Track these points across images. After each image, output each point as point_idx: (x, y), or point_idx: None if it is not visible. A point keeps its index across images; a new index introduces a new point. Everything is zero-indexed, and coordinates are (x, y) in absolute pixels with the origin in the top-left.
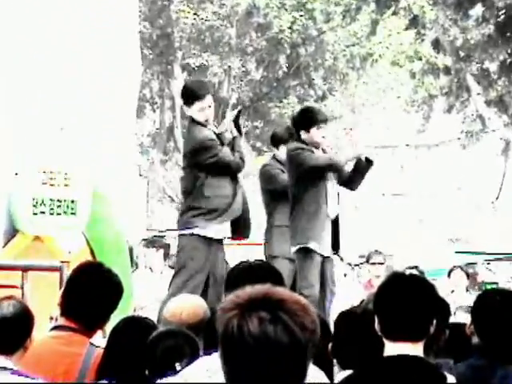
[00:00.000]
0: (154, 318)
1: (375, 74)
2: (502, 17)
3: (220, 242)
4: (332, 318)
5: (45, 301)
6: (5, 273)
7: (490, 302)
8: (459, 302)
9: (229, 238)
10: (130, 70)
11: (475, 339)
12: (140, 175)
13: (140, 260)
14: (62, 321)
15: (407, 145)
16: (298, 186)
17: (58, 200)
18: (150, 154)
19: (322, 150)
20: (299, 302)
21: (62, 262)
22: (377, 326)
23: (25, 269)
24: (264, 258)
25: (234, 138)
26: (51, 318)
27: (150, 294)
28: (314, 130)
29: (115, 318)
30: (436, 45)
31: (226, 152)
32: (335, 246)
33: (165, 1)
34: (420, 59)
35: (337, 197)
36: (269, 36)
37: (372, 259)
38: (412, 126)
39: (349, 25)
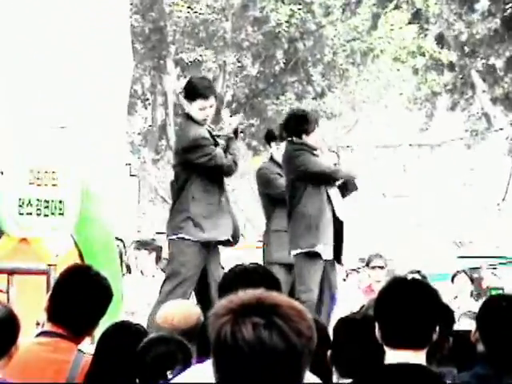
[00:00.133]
0: (145, 324)
1: (376, 70)
2: (509, 11)
3: (212, 245)
4: (333, 325)
5: (31, 305)
6: None
7: (496, 308)
8: (463, 308)
9: (219, 243)
10: (120, 65)
11: (480, 347)
12: (131, 175)
13: (131, 262)
14: (48, 326)
15: (409, 144)
16: (297, 188)
17: (46, 200)
18: (142, 153)
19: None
20: (294, 307)
21: (49, 265)
22: (377, 332)
23: (10, 272)
24: (263, 263)
25: (229, 138)
26: (37, 324)
27: (140, 298)
28: (305, 137)
29: (104, 324)
30: (440, 40)
31: (218, 153)
32: (337, 254)
33: None
34: (423, 55)
35: (341, 198)
36: (265, 30)
37: (372, 263)
38: (414, 124)
39: (349, 19)
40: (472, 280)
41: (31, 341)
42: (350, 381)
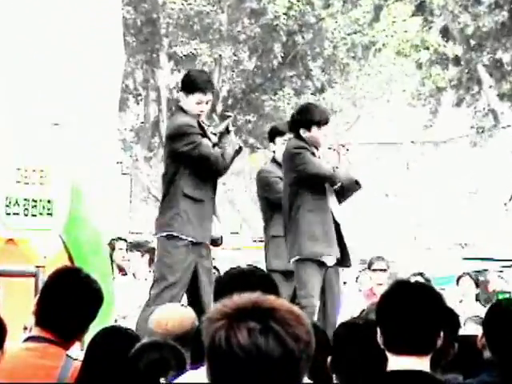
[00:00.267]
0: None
1: (378, 64)
2: None
3: (203, 245)
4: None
5: (18, 309)
6: None
7: (503, 312)
8: (469, 312)
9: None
10: (111, 58)
11: (487, 353)
12: (122, 173)
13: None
14: (36, 331)
15: (412, 142)
16: (297, 194)
17: (34, 200)
18: (134, 151)
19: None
20: (292, 311)
21: (38, 266)
22: (379, 338)
23: None
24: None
25: (220, 133)
26: (25, 328)
27: (132, 302)
28: (315, 130)
29: (94, 328)
30: (445, 33)
31: (205, 142)
32: (342, 259)
33: None
34: (427, 48)
35: (337, 201)
36: (263, 22)
37: (374, 265)
38: (418, 121)
39: (350, 11)
40: (477, 283)
41: (18, 346)
42: None
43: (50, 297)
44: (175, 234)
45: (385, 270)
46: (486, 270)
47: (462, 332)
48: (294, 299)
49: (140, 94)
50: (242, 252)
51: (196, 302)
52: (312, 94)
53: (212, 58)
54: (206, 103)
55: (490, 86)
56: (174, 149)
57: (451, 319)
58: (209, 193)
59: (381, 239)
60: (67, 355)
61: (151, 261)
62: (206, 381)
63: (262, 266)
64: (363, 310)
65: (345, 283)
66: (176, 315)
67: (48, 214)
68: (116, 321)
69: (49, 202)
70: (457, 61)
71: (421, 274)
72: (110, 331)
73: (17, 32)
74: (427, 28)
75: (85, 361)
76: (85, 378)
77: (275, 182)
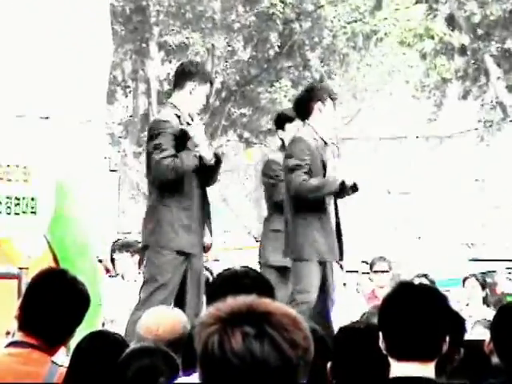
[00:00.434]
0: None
1: (380, 54)
2: None
3: (192, 255)
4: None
5: (0, 313)
6: None
7: None
8: (475, 315)
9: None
10: (98, 48)
11: (495, 359)
12: (110, 170)
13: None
14: (19, 336)
15: (416, 136)
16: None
17: (16, 198)
18: (122, 145)
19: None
20: (289, 315)
21: (21, 268)
22: (381, 343)
23: None
24: (259, 265)
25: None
26: (7, 333)
27: (121, 305)
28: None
29: (81, 333)
30: (450, 21)
31: (166, 150)
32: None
33: None
34: (432, 38)
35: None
36: (258, 10)
37: (375, 266)
38: (422, 114)
39: None
40: (484, 285)
41: (1, 351)
42: None
43: (33, 300)
44: (161, 245)
45: (387, 272)
46: (493, 272)
47: (469, 336)
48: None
49: (129, 86)
50: (244, 252)
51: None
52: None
53: (205, 47)
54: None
55: (498, 78)
56: (147, 149)
57: (457, 323)
58: (196, 199)
59: (382, 239)
60: (52, 361)
61: (141, 261)
62: None
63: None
64: (364, 314)
65: (344, 284)
66: (167, 319)
67: (32, 212)
68: (103, 325)
69: (32, 199)
70: (463, 51)
71: (425, 276)
72: (97, 336)
73: None
74: (432, 16)
75: (70, 367)
76: None
77: (279, 185)
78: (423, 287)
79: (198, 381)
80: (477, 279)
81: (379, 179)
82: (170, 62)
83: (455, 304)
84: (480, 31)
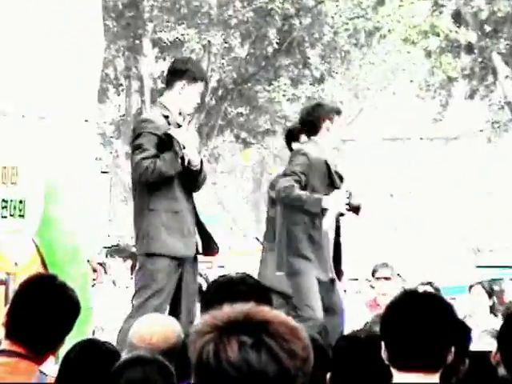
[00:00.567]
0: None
1: (383, 52)
2: None
3: (188, 259)
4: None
5: None
6: None
7: None
8: (482, 325)
9: (199, 253)
10: (89, 45)
11: (502, 370)
12: (102, 172)
13: (101, 273)
14: (6, 344)
15: (420, 138)
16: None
17: (4, 200)
18: (114, 146)
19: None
20: (287, 324)
21: (8, 273)
22: (383, 353)
23: None
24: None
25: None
26: None
27: (112, 312)
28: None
29: (70, 341)
30: (456, 18)
31: (147, 150)
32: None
33: None
34: (437, 35)
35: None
36: (256, 6)
37: (377, 273)
38: (427, 114)
39: None
40: (490, 293)
41: None
42: None
43: (21, 307)
44: (152, 251)
45: (390, 279)
46: (500, 279)
47: (475, 346)
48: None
49: (121, 84)
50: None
51: (174, 316)
52: (310, 84)
53: (200, 44)
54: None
55: (507, 77)
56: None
57: (462, 333)
58: (185, 203)
59: (384, 244)
60: (40, 371)
61: (133, 267)
62: None
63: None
64: (367, 323)
65: (345, 291)
66: (160, 328)
67: (20, 215)
68: (94, 333)
69: (20, 202)
70: (470, 48)
71: (430, 283)
72: (88, 345)
73: None
74: (437, 12)
75: (59, 377)
76: None
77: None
78: (427, 295)
79: None
80: (483, 287)
81: (381, 182)
82: (164, 59)
83: (461, 313)
84: (487, 28)
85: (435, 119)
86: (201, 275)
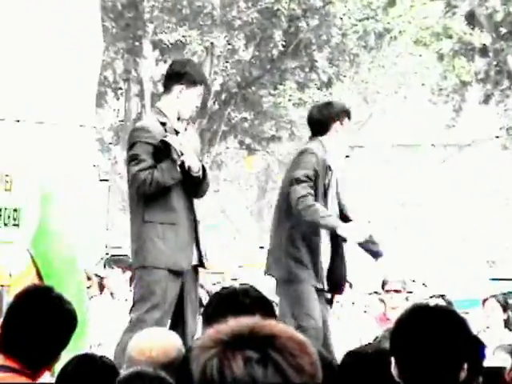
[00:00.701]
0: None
1: (393, 55)
2: None
3: (187, 271)
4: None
5: None
6: None
7: None
8: (496, 340)
9: (197, 265)
10: (88, 47)
11: None
12: (100, 179)
13: (95, 283)
14: (0, 359)
15: (432, 144)
16: (290, 211)
17: None
18: (113, 152)
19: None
20: (294, 339)
21: (2, 285)
22: (393, 369)
23: None
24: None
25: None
26: None
27: (109, 326)
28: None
29: (66, 355)
30: (470, 19)
31: (144, 161)
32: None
33: None
34: (450, 37)
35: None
36: (261, 6)
37: (387, 286)
38: (439, 120)
39: None
40: (505, 307)
41: None
42: None
43: (15, 320)
44: (149, 263)
45: (400, 292)
46: None
47: (489, 362)
48: None
49: (120, 88)
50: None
51: (178, 330)
52: (317, 88)
53: (203, 46)
54: (196, 96)
55: None
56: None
57: (476, 348)
58: (183, 213)
59: (395, 255)
60: None
61: (132, 279)
62: None
63: None
64: (376, 338)
65: (353, 303)
66: (160, 341)
67: (14, 224)
68: (91, 347)
69: (15, 210)
70: (484, 51)
71: (442, 296)
72: (84, 359)
73: None
74: (450, 14)
75: None
76: None
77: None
78: (439, 309)
79: None
80: (497, 300)
81: (392, 190)
82: (165, 61)
83: (474, 327)
84: (503, 30)
85: (448, 125)
86: (202, 287)
